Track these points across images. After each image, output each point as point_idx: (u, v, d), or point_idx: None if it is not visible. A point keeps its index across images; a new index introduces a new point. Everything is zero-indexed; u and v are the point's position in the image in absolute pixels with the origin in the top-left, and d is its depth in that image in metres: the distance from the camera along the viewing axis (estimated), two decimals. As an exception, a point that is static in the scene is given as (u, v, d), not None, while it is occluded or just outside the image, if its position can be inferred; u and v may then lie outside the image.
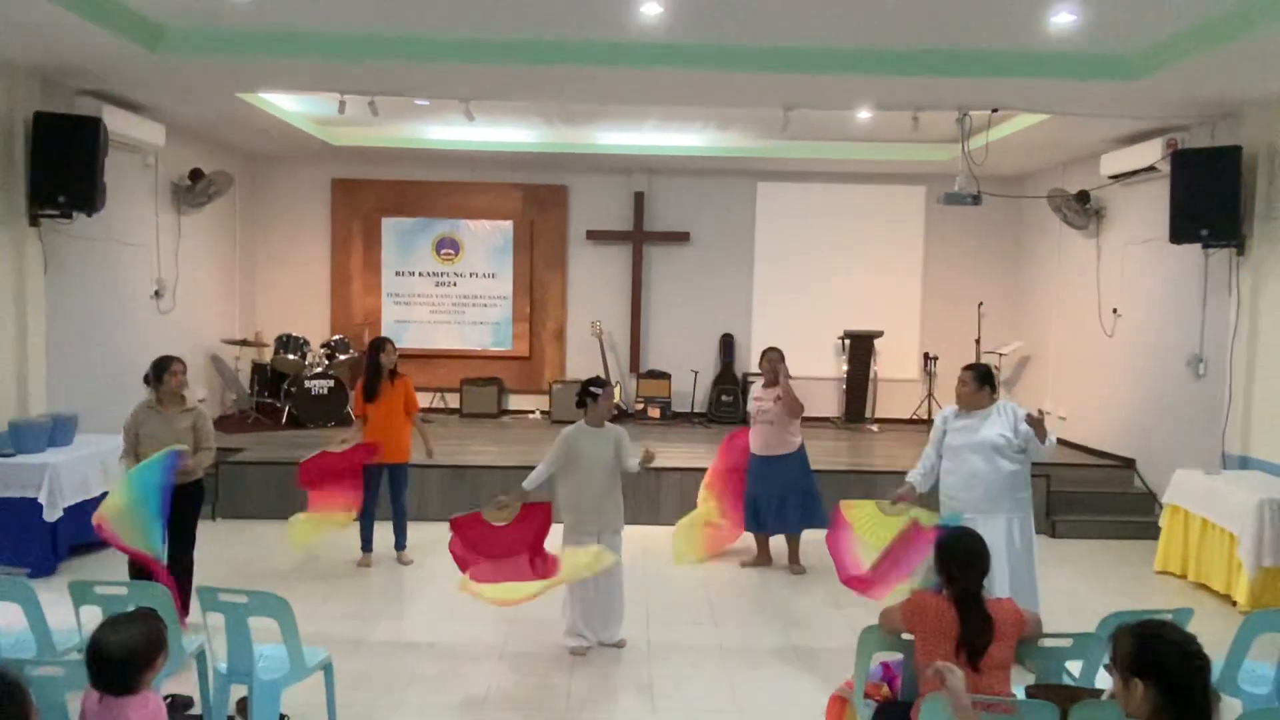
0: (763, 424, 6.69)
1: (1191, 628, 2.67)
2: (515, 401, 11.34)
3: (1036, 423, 4.81)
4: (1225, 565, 6.37)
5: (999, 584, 4.70)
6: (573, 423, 5.30)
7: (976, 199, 8.13)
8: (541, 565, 4.91)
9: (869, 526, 4.79)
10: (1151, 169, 7.93)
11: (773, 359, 6.72)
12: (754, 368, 10.26)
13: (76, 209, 6.98)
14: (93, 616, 3.69)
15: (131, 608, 3.75)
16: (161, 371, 5.24)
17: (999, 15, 5.76)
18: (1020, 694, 3.25)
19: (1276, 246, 6.89)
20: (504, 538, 4.97)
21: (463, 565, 4.83)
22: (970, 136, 8.07)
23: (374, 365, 6.67)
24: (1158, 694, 2.27)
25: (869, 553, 4.68)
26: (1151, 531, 7.39)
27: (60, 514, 6.29)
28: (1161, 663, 2.28)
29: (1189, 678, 2.27)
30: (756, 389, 6.88)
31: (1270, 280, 6.94)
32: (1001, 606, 3.29)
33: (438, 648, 5.22)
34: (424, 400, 10.76)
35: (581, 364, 11.12)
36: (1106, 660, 3.53)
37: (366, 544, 6.74)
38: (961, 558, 3.32)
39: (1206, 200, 7.02)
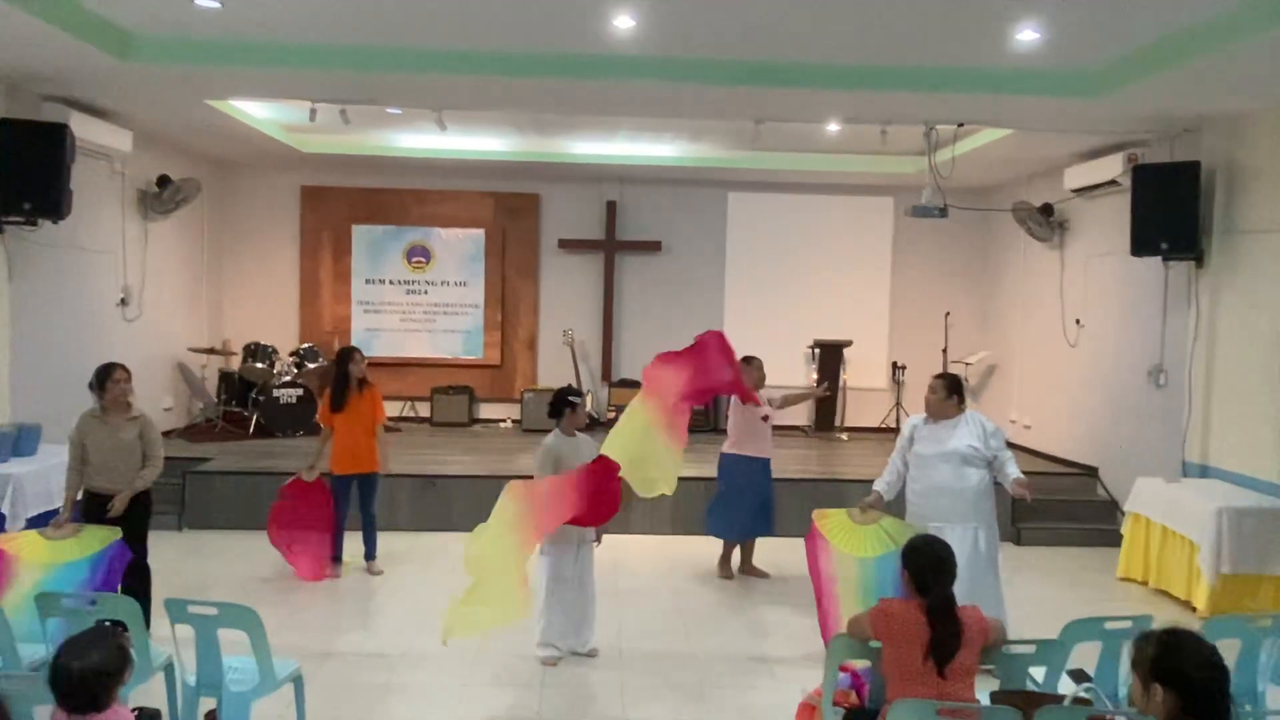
0: (767, 426, 6.85)
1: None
2: (486, 410, 11.31)
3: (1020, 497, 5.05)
4: (1185, 572, 6.50)
5: (963, 592, 4.77)
6: (546, 431, 5.34)
7: (943, 211, 8.27)
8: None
9: (842, 536, 4.84)
10: (1113, 183, 8.08)
11: (759, 365, 6.85)
12: (725, 377, 10.30)
13: (42, 215, 6.90)
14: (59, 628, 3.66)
15: (99, 621, 3.72)
16: (104, 380, 5.15)
17: (965, 33, 5.86)
18: (984, 700, 3.31)
19: (1234, 259, 7.06)
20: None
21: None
22: (937, 150, 8.20)
23: (342, 375, 6.64)
24: (1177, 700, 2.32)
25: (845, 563, 4.73)
26: (1114, 539, 7.52)
27: (23, 525, 6.18)
28: (1183, 670, 2.33)
29: (1209, 685, 2.32)
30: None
31: (1228, 292, 7.11)
32: (967, 614, 3.35)
33: (408, 658, 5.21)
34: (395, 409, 10.75)
35: (553, 373, 11.11)
36: (1069, 666, 3.64)
37: (336, 554, 6.69)
38: (933, 566, 3.38)
39: (1166, 214, 7.18)
